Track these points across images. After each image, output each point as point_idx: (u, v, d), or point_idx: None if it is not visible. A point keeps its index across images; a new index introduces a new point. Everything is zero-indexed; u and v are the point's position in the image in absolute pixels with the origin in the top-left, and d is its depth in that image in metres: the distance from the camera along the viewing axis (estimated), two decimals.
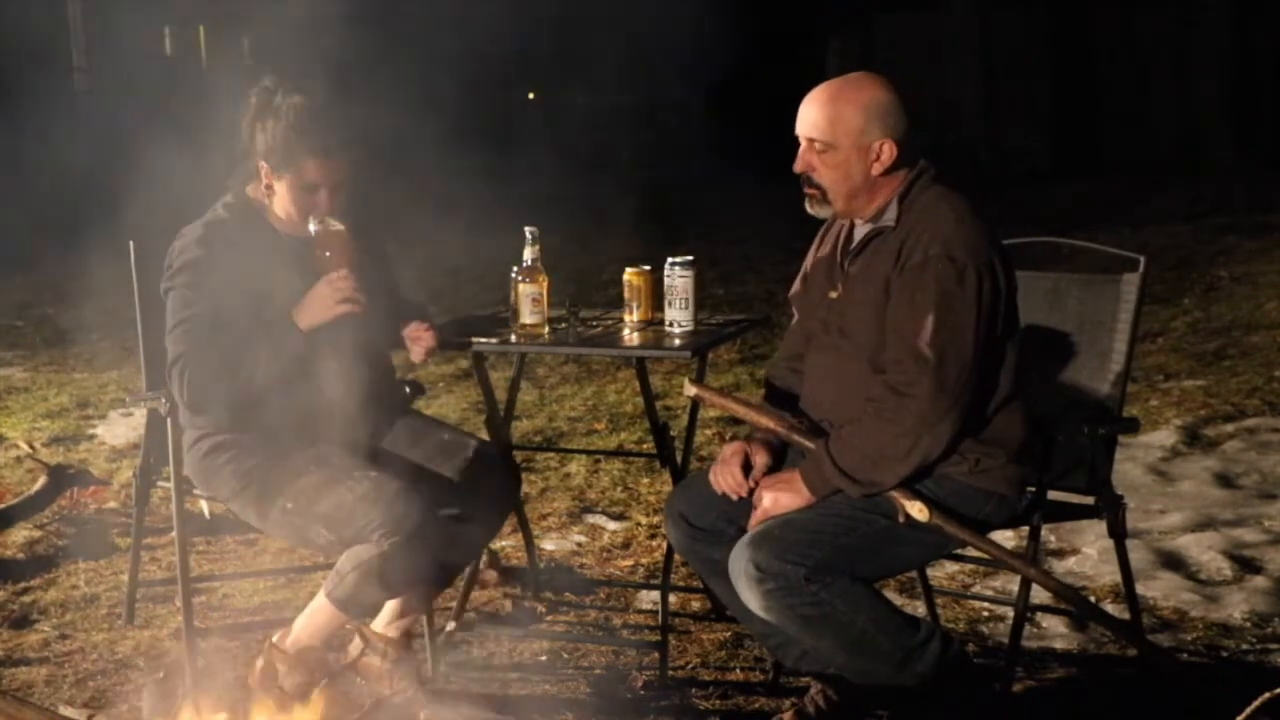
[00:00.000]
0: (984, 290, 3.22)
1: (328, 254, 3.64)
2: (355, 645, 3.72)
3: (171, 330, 3.59)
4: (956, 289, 3.21)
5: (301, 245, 3.66)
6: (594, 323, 4.12)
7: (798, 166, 3.38)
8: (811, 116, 3.35)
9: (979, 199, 3.42)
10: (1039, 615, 4.25)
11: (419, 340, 3.81)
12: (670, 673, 3.97)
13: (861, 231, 3.41)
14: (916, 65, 17.43)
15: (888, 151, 3.31)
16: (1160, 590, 4.52)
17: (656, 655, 4.00)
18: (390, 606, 3.67)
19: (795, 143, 3.41)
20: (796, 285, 3.65)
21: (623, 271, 4.08)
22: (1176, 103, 18.15)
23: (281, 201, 3.67)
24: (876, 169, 3.33)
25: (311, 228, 3.64)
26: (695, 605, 4.45)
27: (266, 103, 3.63)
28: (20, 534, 5.18)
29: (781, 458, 3.53)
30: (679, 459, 4.20)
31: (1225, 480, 5.68)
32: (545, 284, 3.93)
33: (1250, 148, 17.21)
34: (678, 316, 3.93)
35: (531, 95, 25.70)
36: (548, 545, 5.06)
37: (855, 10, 20.36)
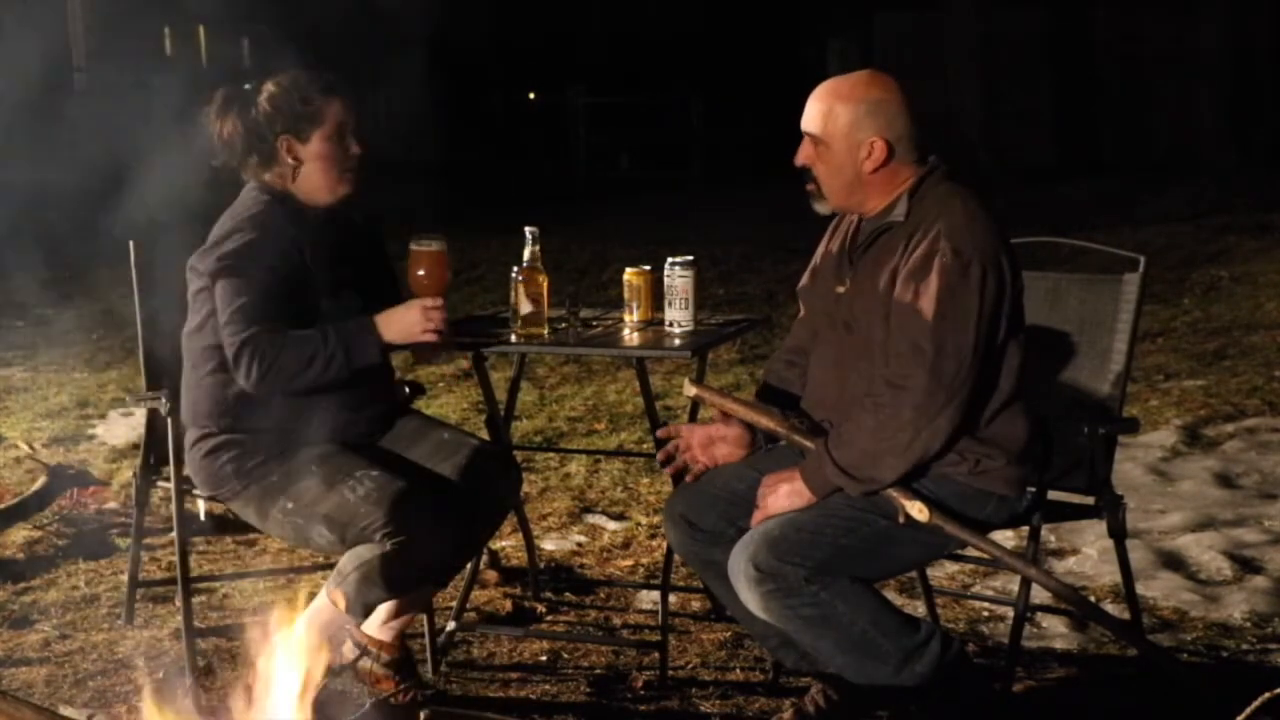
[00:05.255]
0: (988, 286, 3.21)
1: (421, 273, 3.62)
2: (349, 648, 3.72)
3: (233, 315, 3.48)
4: (960, 282, 3.20)
5: (330, 224, 3.64)
6: (594, 323, 4.11)
7: (797, 160, 3.41)
8: (810, 112, 3.38)
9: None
10: (1039, 615, 4.25)
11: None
12: (670, 673, 3.97)
13: (870, 226, 3.40)
14: (916, 65, 17.44)
15: (878, 150, 3.32)
16: (1160, 590, 4.52)
17: (656, 655, 4.00)
18: (383, 608, 3.66)
19: (796, 141, 3.43)
20: (805, 279, 3.64)
21: (623, 271, 4.08)
22: (1176, 102, 18.16)
23: (312, 172, 3.60)
24: (868, 166, 3.33)
25: (411, 246, 3.63)
26: (695, 605, 4.45)
27: (235, 95, 3.62)
28: (20, 534, 5.18)
29: (751, 443, 3.55)
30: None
31: (1225, 480, 5.68)
32: (545, 284, 3.92)
33: (1250, 148, 17.21)
34: (678, 316, 3.93)
35: (532, 95, 25.69)
36: (548, 545, 5.06)
37: (855, 10, 20.38)
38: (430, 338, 3.56)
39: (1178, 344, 8.21)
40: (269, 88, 3.61)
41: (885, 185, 3.36)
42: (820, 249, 3.61)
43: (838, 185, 3.37)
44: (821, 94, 3.38)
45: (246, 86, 3.63)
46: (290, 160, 3.59)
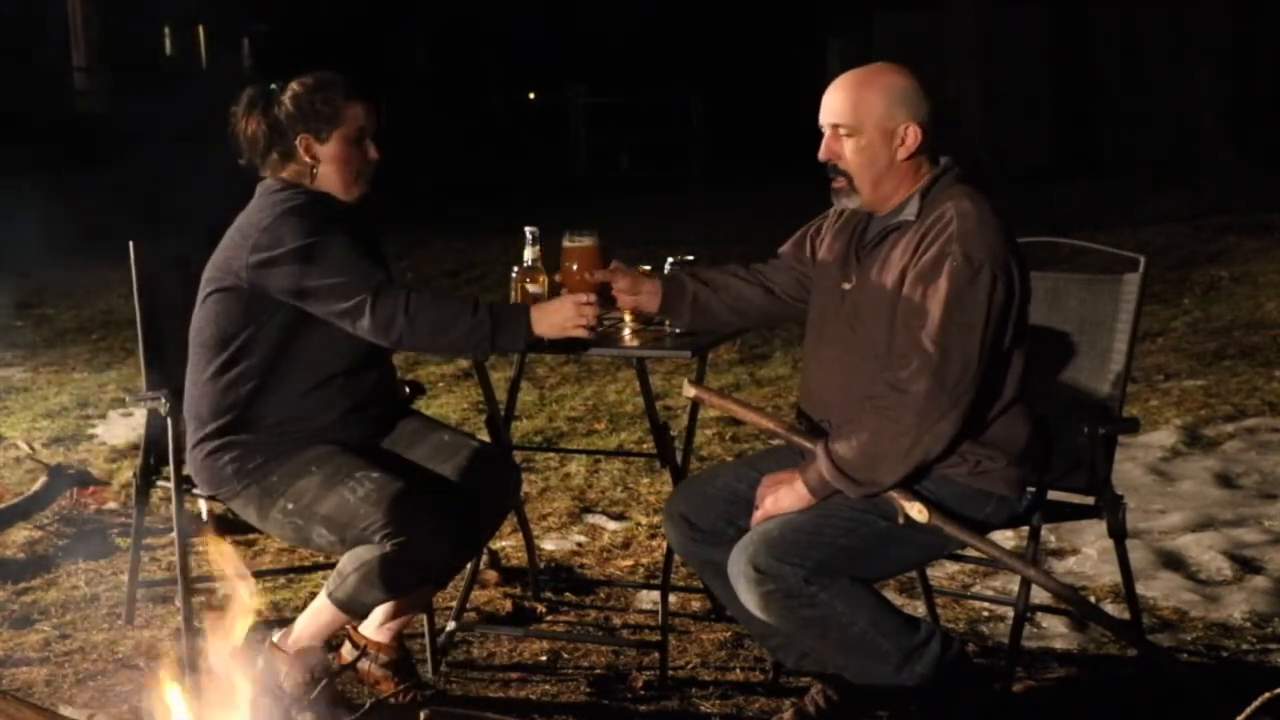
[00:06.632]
0: (997, 292, 3.20)
1: (574, 268, 3.65)
2: (348, 649, 3.72)
3: (343, 281, 3.44)
4: (969, 288, 3.19)
5: (346, 216, 3.63)
6: None
7: (822, 154, 3.36)
8: (835, 103, 3.34)
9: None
10: (1039, 615, 4.25)
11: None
12: (670, 673, 3.97)
13: (880, 224, 3.38)
14: (916, 65, 17.43)
15: (912, 135, 3.30)
16: (1160, 590, 4.52)
17: (656, 655, 4.00)
18: (381, 609, 3.66)
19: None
20: (789, 245, 3.64)
21: None
22: (1176, 103, 18.16)
23: (328, 172, 3.60)
24: (901, 153, 3.31)
25: (564, 243, 3.66)
26: (695, 605, 4.45)
27: (260, 93, 3.63)
28: (20, 534, 5.18)
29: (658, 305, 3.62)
30: (679, 459, 4.20)
31: (1225, 480, 5.68)
32: (545, 284, 3.92)
33: (1250, 148, 17.21)
34: None
35: (532, 95, 25.70)
36: (548, 545, 5.06)
37: (855, 10, 20.39)
38: (581, 333, 3.54)
39: (1178, 344, 8.22)
40: (294, 87, 3.62)
41: (911, 175, 3.33)
42: (823, 232, 3.56)
43: (870, 176, 3.33)
44: (846, 85, 3.34)
45: (273, 85, 3.64)
46: (307, 159, 3.59)
